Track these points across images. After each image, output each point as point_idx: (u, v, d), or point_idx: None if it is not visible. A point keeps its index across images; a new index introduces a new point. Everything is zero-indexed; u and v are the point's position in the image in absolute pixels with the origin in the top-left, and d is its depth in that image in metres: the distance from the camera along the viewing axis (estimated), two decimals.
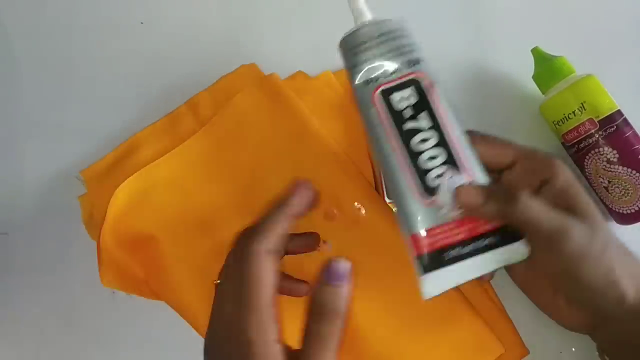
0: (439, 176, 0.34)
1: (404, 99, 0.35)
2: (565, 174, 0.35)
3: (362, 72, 0.36)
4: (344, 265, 0.32)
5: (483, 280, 0.37)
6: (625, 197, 0.41)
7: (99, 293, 0.44)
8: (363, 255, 0.41)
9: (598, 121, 0.41)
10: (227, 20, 0.49)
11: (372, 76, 0.35)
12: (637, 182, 0.41)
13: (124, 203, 0.41)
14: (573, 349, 0.42)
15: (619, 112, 0.41)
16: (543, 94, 0.44)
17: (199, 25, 0.49)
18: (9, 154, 0.48)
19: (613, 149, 0.41)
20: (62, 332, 0.45)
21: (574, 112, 0.41)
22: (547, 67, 0.43)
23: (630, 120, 0.41)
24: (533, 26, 0.48)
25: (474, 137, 0.36)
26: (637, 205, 0.41)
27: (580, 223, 0.33)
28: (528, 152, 0.37)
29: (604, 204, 0.43)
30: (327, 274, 0.32)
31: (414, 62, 0.36)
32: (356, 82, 0.36)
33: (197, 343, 0.35)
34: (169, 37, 0.49)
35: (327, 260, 0.33)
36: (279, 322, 0.33)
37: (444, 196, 0.34)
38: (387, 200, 0.43)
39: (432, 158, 0.34)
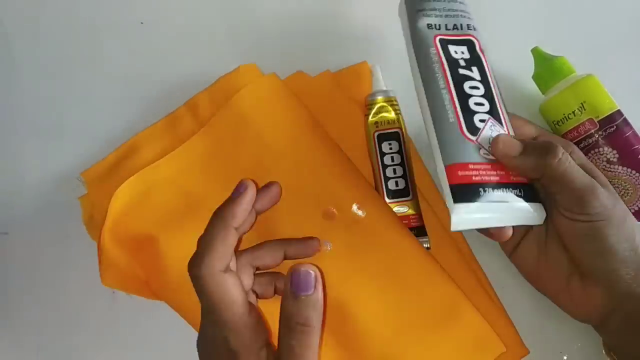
0: (482, 121, 0.36)
1: (458, 52, 0.38)
2: (581, 154, 0.38)
3: (427, 17, 0.39)
4: (310, 273, 0.31)
5: (502, 236, 0.37)
6: (625, 197, 0.41)
7: (99, 293, 0.44)
8: (363, 255, 0.41)
9: (598, 121, 0.41)
10: (227, 20, 0.49)
11: (435, 23, 0.38)
12: (637, 182, 0.41)
13: (124, 203, 0.42)
14: (577, 345, 0.42)
15: (619, 112, 0.41)
16: (543, 94, 0.44)
17: (199, 25, 0.49)
18: (9, 154, 0.48)
19: (613, 149, 0.41)
20: (62, 332, 0.45)
21: (574, 112, 0.42)
22: (547, 67, 0.43)
23: (630, 120, 0.41)
24: (533, 26, 0.48)
25: None
26: (637, 205, 0.41)
27: (604, 188, 0.35)
28: (547, 132, 0.40)
29: None
30: (293, 284, 0.31)
31: (472, 28, 0.39)
32: (419, 23, 0.38)
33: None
34: (169, 37, 0.49)
35: (291, 268, 0.32)
36: (265, 325, 0.33)
37: (484, 139, 0.35)
38: (387, 200, 0.43)
39: (479, 104, 0.36)
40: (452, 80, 0.37)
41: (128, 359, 0.45)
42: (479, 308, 0.41)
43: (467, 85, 0.37)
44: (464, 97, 0.36)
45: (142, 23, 0.50)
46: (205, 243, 0.33)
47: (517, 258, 0.40)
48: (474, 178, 0.34)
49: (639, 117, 0.41)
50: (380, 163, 0.43)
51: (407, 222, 0.42)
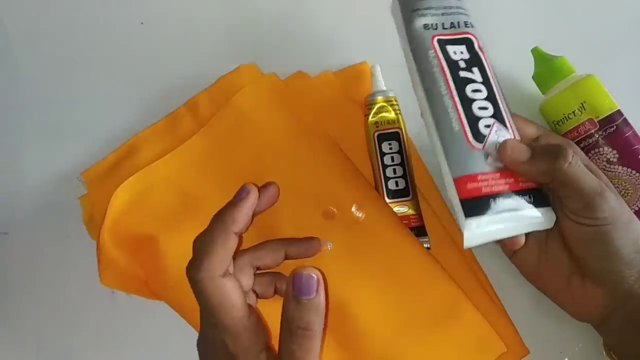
0: (487, 126, 0.35)
1: (457, 52, 0.36)
2: (583, 155, 0.38)
3: (423, 17, 0.37)
4: (312, 277, 0.31)
5: (515, 244, 0.37)
6: (625, 197, 0.41)
7: (99, 293, 0.44)
8: (363, 255, 0.41)
9: (598, 121, 0.41)
10: (227, 20, 0.49)
11: (432, 23, 0.37)
12: (637, 182, 0.41)
13: (123, 203, 0.42)
14: (578, 345, 0.42)
15: (619, 112, 0.41)
16: (543, 94, 0.44)
17: (199, 25, 0.49)
18: (9, 154, 0.48)
19: (613, 149, 0.41)
20: (62, 332, 0.45)
21: (574, 112, 0.42)
22: (547, 67, 0.43)
23: (630, 120, 0.41)
24: (533, 26, 0.48)
25: None
26: (637, 205, 0.41)
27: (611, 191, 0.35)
28: (548, 132, 0.39)
29: None
30: (295, 288, 0.31)
31: (469, 25, 0.38)
32: (415, 23, 0.37)
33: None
34: (169, 37, 0.49)
35: (294, 271, 0.31)
36: (265, 328, 0.33)
37: (491, 146, 0.34)
38: (387, 200, 0.43)
39: (483, 109, 0.35)
40: (454, 84, 0.35)
41: (128, 359, 0.45)
42: (479, 308, 0.41)
43: (469, 89, 0.35)
44: (467, 103, 0.35)
45: (142, 23, 0.50)
46: (204, 246, 0.32)
47: (518, 258, 0.40)
48: (483, 190, 0.33)
49: (639, 117, 0.41)
50: (380, 163, 0.43)
51: (407, 222, 0.42)
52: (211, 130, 0.44)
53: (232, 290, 0.32)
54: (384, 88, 0.44)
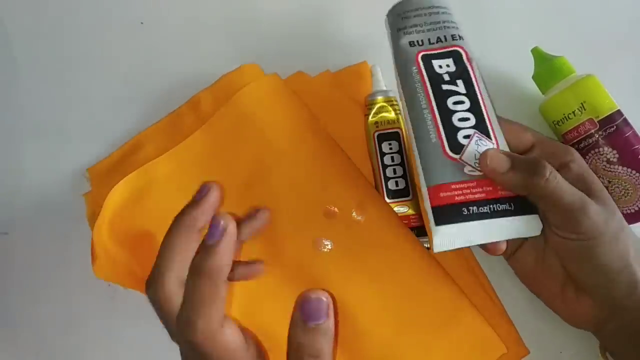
0: (467, 137, 0.35)
1: (443, 66, 0.37)
2: (581, 161, 0.37)
3: (409, 35, 0.38)
4: (322, 300, 0.28)
5: (496, 250, 0.36)
6: (625, 197, 0.41)
7: (99, 293, 0.44)
8: (363, 255, 0.41)
9: (598, 121, 0.41)
10: (227, 20, 0.49)
11: (417, 40, 0.38)
12: (637, 182, 0.41)
13: (123, 199, 0.42)
14: (577, 345, 0.42)
15: (619, 112, 0.41)
16: (543, 94, 0.44)
17: (199, 25, 0.49)
18: (9, 154, 0.48)
19: (613, 149, 0.41)
20: (61, 332, 0.45)
21: (574, 112, 0.42)
22: (547, 67, 0.43)
23: (630, 120, 0.41)
24: (533, 26, 0.48)
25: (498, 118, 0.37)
26: (637, 205, 0.41)
27: (597, 203, 0.34)
28: (545, 138, 0.38)
29: None
30: (303, 312, 0.28)
31: (459, 37, 0.38)
32: (401, 41, 0.38)
33: None
34: (169, 37, 0.49)
35: (301, 295, 0.29)
36: (262, 348, 0.32)
37: (469, 156, 0.35)
38: (387, 200, 0.43)
39: (464, 120, 0.36)
40: (435, 98, 0.36)
41: (128, 358, 0.45)
42: (479, 308, 0.41)
43: (450, 101, 0.36)
44: (446, 114, 0.36)
45: (142, 23, 0.50)
46: (193, 305, 0.29)
47: (515, 261, 0.40)
48: (456, 198, 0.34)
49: (639, 117, 0.41)
50: (380, 163, 0.43)
51: (407, 222, 0.42)
52: (212, 128, 0.44)
53: (232, 336, 0.30)
54: (384, 88, 0.44)
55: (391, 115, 0.43)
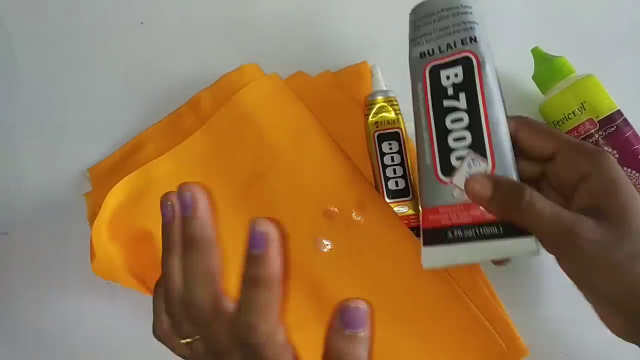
0: (460, 158, 0.35)
1: (451, 76, 0.36)
2: (608, 172, 0.32)
3: (419, 45, 0.37)
4: (362, 309, 0.28)
5: (498, 265, 0.36)
6: None
7: (99, 293, 0.44)
8: (363, 255, 0.41)
9: (598, 121, 0.41)
10: (227, 20, 0.49)
11: (427, 50, 0.37)
12: (637, 182, 0.41)
13: (123, 199, 0.42)
14: (578, 345, 0.42)
15: (619, 112, 0.41)
16: (543, 94, 0.44)
17: (199, 25, 0.49)
18: (9, 154, 0.48)
19: (613, 149, 0.41)
20: (62, 332, 0.45)
21: (574, 112, 0.42)
22: (547, 67, 0.43)
23: (630, 120, 0.41)
24: (533, 26, 0.48)
25: (519, 122, 0.35)
26: None
27: (601, 227, 0.31)
28: (572, 144, 0.34)
29: None
30: (344, 320, 0.28)
31: (470, 40, 0.36)
32: (412, 54, 0.37)
33: None
34: (169, 37, 0.49)
35: (341, 303, 0.29)
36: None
37: (459, 178, 0.34)
38: (387, 201, 0.43)
39: (460, 139, 0.35)
40: (434, 117, 0.36)
41: (128, 358, 0.45)
42: (478, 308, 0.41)
43: (449, 119, 0.35)
44: (442, 134, 0.35)
45: (142, 23, 0.50)
46: (253, 311, 0.29)
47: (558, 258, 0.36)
48: (443, 221, 0.35)
49: (639, 117, 0.41)
50: (380, 163, 0.43)
51: (407, 222, 0.42)
52: (212, 128, 0.44)
53: (285, 334, 0.30)
54: (384, 88, 0.44)
55: (391, 115, 0.44)
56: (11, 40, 0.50)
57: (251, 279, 0.29)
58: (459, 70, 0.36)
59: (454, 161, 0.35)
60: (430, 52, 0.37)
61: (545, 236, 0.32)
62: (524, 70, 0.44)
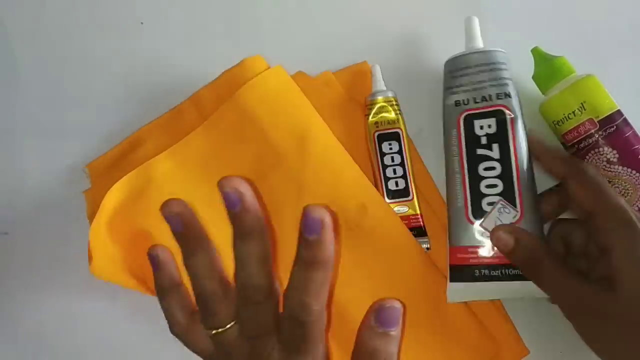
0: (490, 204, 0.38)
1: (484, 127, 0.38)
2: (623, 249, 0.33)
3: (455, 94, 0.40)
4: (396, 308, 0.30)
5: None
6: (625, 197, 0.41)
7: (99, 293, 0.44)
8: (363, 255, 0.41)
9: (598, 121, 0.41)
10: (227, 20, 0.49)
11: (462, 99, 0.39)
12: (637, 182, 0.41)
13: (122, 198, 0.41)
14: (578, 345, 0.42)
15: (619, 112, 0.41)
16: (543, 94, 0.44)
17: (198, 25, 0.49)
18: (8, 153, 0.48)
19: (613, 149, 0.41)
20: (62, 332, 0.45)
21: (573, 112, 0.41)
22: (547, 67, 0.43)
23: (630, 120, 0.41)
24: (533, 26, 0.48)
25: (539, 145, 0.38)
26: (637, 205, 0.41)
27: (617, 300, 0.32)
28: (580, 170, 0.36)
29: None
30: (379, 319, 0.30)
31: (504, 95, 0.39)
32: (447, 101, 0.40)
33: None
34: (169, 37, 0.49)
35: (378, 302, 0.30)
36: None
37: (489, 223, 0.37)
38: (387, 201, 0.43)
39: (491, 186, 0.38)
40: (467, 163, 0.38)
41: (128, 358, 0.45)
42: (479, 308, 0.41)
43: (482, 167, 0.38)
44: (475, 180, 0.38)
45: (142, 23, 0.50)
46: (309, 290, 0.30)
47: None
48: (470, 260, 0.38)
49: (639, 117, 0.41)
50: (380, 163, 0.43)
51: (407, 222, 0.42)
52: (213, 125, 0.43)
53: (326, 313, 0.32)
54: (384, 88, 0.44)
55: (391, 115, 0.43)
56: (11, 40, 0.50)
57: (308, 261, 0.30)
58: (492, 122, 0.38)
59: (485, 206, 0.38)
60: (466, 101, 0.39)
61: (559, 304, 0.35)
62: (524, 70, 0.44)
